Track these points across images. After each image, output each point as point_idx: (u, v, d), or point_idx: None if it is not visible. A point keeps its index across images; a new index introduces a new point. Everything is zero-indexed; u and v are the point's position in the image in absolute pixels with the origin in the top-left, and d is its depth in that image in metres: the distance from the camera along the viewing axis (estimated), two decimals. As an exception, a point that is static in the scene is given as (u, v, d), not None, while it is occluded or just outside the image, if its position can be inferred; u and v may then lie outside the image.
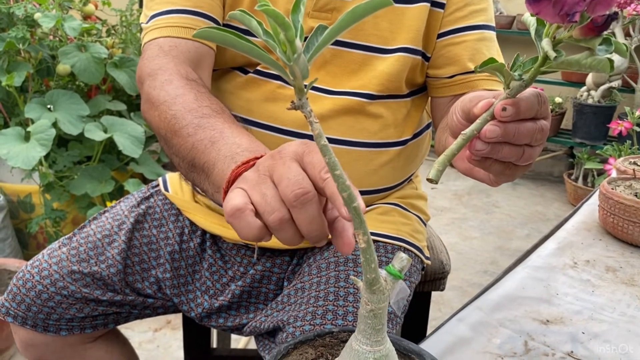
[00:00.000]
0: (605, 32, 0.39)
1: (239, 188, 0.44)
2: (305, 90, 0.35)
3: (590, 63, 0.39)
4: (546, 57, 0.41)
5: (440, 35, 0.81)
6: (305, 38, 0.34)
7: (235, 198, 0.42)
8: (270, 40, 0.33)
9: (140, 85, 0.74)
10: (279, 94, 0.79)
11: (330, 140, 0.78)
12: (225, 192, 0.48)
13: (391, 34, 0.79)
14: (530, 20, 0.43)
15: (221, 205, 0.49)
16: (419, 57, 0.81)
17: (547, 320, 0.75)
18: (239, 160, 0.51)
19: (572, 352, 0.69)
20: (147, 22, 0.78)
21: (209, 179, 0.55)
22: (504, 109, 0.46)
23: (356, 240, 0.38)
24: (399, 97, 0.83)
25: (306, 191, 0.40)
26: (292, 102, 0.35)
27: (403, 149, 0.85)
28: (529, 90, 0.47)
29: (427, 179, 0.45)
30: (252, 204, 0.42)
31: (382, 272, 0.40)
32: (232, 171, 0.49)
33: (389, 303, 0.41)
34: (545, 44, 0.40)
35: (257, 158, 0.50)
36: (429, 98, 0.90)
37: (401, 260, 0.40)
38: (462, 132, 0.47)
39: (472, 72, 0.80)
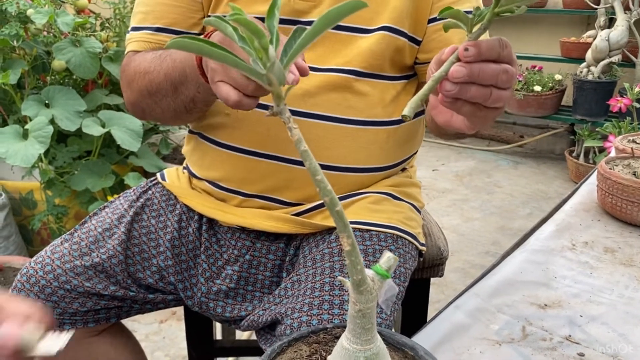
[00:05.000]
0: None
1: (220, 82, 0.60)
2: (284, 96, 0.35)
3: None
4: None
5: (430, 21, 0.83)
6: (287, 21, 0.34)
7: (229, 94, 0.59)
8: (246, 47, 0.33)
9: (124, 90, 0.88)
10: None
11: (318, 117, 0.81)
12: (200, 67, 0.68)
13: (375, 15, 0.81)
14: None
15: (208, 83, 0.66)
16: (403, 39, 0.83)
17: (545, 305, 0.76)
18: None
19: (569, 336, 0.69)
20: (129, 31, 0.88)
21: (187, 80, 0.73)
22: (466, 49, 0.49)
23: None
24: (387, 78, 0.84)
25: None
26: (271, 107, 0.35)
27: (392, 131, 0.86)
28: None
29: (402, 116, 0.49)
30: (233, 85, 0.59)
31: (370, 272, 0.40)
32: (196, 57, 0.69)
33: (378, 302, 0.41)
34: None
35: (206, 34, 0.69)
36: (418, 88, 0.91)
37: (388, 259, 0.40)
38: (432, 75, 0.51)
39: None
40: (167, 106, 0.80)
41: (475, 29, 0.49)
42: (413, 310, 1.00)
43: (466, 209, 2.72)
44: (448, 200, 2.82)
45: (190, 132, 0.93)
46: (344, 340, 0.42)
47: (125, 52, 0.88)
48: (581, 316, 0.73)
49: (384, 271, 0.40)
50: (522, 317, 0.73)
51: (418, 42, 0.85)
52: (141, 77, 0.81)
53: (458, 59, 0.51)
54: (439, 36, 0.83)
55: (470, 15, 0.48)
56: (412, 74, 0.89)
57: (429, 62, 0.82)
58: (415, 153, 0.96)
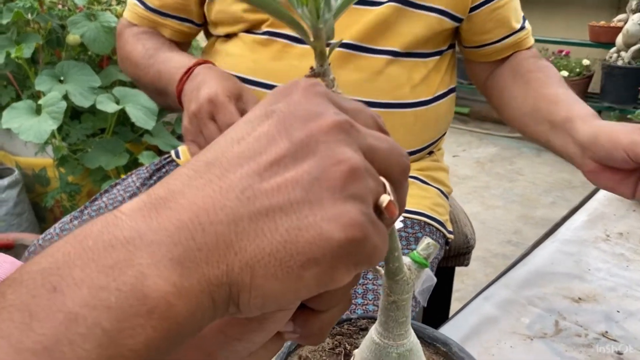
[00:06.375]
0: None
1: (191, 142, 0.67)
2: (328, 54, 0.29)
3: None
4: None
5: (485, 2, 0.82)
6: None
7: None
8: None
9: (119, 57, 0.92)
10: (285, 52, 0.77)
11: None
12: (179, 100, 0.72)
13: None
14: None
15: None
16: (451, 21, 0.80)
17: (579, 298, 0.72)
18: (176, 78, 0.74)
19: (606, 332, 0.66)
20: None
21: (169, 96, 0.77)
22: None
23: None
24: (418, 55, 0.80)
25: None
26: (312, 68, 0.29)
27: (420, 113, 0.81)
28: None
29: None
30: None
31: (406, 260, 0.36)
32: (176, 89, 0.73)
33: (414, 293, 0.37)
34: None
35: (188, 70, 0.73)
36: (451, 62, 0.88)
37: (427, 246, 0.36)
38: None
39: (518, 31, 0.84)
40: (154, 99, 0.88)
41: None
42: (436, 301, 0.96)
43: (487, 196, 2.67)
44: (469, 187, 2.77)
45: None
46: (374, 334, 0.38)
47: (123, 14, 0.92)
48: (618, 311, 0.69)
49: (422, 259, 0.36)
50: (554, 311, 0.69)
51: (459, 20, 0.82)
52: (132, 66, 0.85)
53: None
54: (496, 15, 0.82)
55: None
56: (444, 49, 0.84)
57: (487, 45, 0.83)
58: (444, 135, 0.91)
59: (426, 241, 0.36)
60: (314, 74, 0.29)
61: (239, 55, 0.79)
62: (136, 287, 0.19)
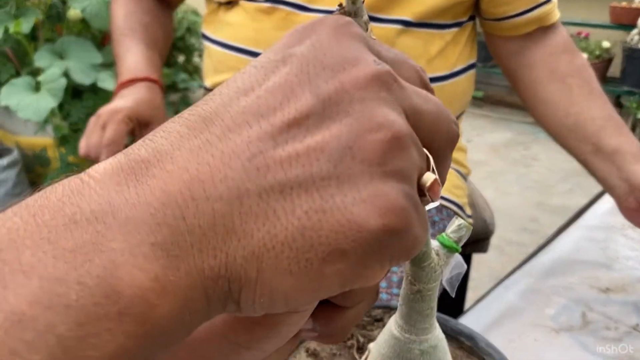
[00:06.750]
0: None
1: (86, 134, 0.74)
2: None
3: None
4: None
5: None
6: None
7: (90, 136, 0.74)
8: None
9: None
10: (289, 21, 0.72)
11: None
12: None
13: None
14: None
15: None
16: None
17: (607, 288, 0.69)
18: (122, 78, 0.78)
19: (637, 325, 0.62)
20: None
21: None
22: None
23: None
24: (435, 26, 0.75)
25: None
26: (340, 5, 0.23)
27: (437, 89, 0.76)
28: None
29: None
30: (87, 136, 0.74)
31: (434, 244, 0.31)
32: (118, 86, 0.78)
33: (441, 281, 0.32)
34: None
35: (132, 80, 0.77)
36: (471, 35, 0.82)
37: (459, 228, 0.31)
38: None
39: (543, 4, 0.76)
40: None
41: None
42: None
43: (502, 182, 2.62)
44: (483, 172, 2.70)
45: (206, 89, 0.85)
46: (394, 327, 0.34)
47: None
48: (650, 303, 0.65)
49: (453, 243, 0.31)
50: (581, 302, 0.66)
51: None
52: (112, 26, 0.89)
53: None
54: None
55: None
56: (464, 20, 0.78)
57: (508, 17, 0.76)
58: (462, 114, 0.86)
59: (457, 222, 0.31)
60: (343, 12, 0.22)
61: (240, 25, 0.75)
62: (105, 280, 0.15)
